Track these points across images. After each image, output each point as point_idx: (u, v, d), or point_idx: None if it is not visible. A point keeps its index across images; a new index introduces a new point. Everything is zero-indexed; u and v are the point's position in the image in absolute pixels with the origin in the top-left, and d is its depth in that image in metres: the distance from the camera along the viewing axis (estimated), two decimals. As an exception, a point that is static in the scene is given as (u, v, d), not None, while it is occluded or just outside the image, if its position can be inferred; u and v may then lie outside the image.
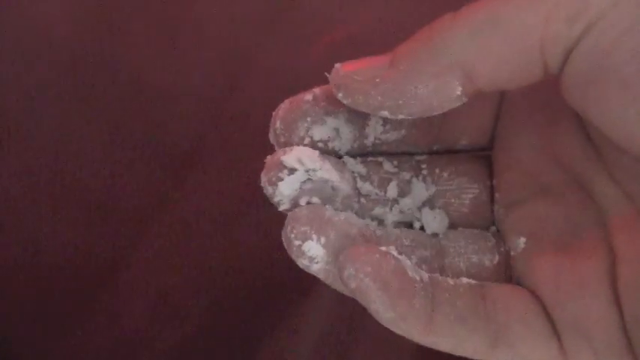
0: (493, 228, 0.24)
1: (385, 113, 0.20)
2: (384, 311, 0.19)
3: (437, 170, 0.24)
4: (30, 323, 0.41)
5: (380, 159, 0.24)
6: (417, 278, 0.20)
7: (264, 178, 0.21)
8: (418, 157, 0.24)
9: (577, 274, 0.21)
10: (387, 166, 0.24)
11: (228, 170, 0.40)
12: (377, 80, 0.20)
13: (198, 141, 0.40)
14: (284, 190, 0.21)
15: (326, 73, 0.21)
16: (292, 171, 0.21)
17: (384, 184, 0.23)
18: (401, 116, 0.20)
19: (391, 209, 0.23)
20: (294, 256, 0.21)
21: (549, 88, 0.20)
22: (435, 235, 0.23)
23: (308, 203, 0.21)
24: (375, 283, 0.19)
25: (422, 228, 0.24)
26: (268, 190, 0.21)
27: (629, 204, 0.21)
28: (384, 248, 0.20)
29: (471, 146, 0.24)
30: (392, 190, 0.23)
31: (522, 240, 0.22)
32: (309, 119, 0.22)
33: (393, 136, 0.23)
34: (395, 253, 0.20)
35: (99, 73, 0.40)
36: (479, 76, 0.19)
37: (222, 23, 0.40)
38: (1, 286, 0.40)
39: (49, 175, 0.40)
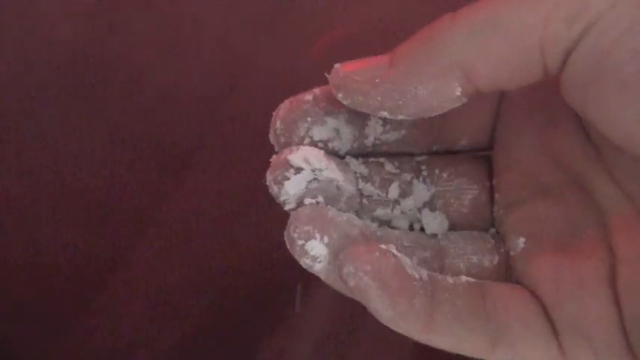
0: (493, 229, 0.24)
1: (385, 114, 0.20)
2: (384, 310, 0.19)
3: (436, 171, 0.24)
4: (30, 323, 0.41)
5: (381, 160, 0.24)
6: (417, 277, 0.20)
7: (269, 177, 0.21)
8: (418, 158, 0.24)
9: (576, 274, 0.21)
10: (389, 167, 0.24)
11: (228, 170, 0.40)
12: (377, 81, 0.20)
13: (198, 141, 0.41)
14: (290, 190, 0.21)
15: (326, 74, 0.21)
16: (298, 170, 0.21)
17: (385, 185, 0.23)
18: (400, 117, 0.20)
19: (392, 210, 0.23)
20: (296, 256, 0.20)
21: (549, 88, 0.20)
22: (434, 236, 0.23)
23: (316, 203, 0.21)
24: (375, 282, 0.19)
25: (422, 229, 0.24)
26: (274, 189, 0.21)
27: (628, 204, 0.21)
28: (383, 246, 0.20)
29: (470, 146, 0.24)
30: (393, 191, 0.23)
31: (522, 240, 0.22)
32: (309, 119, 0.22)
33: (393, 136, 0.23)
34: (395, 251, 0.20)
35: (99, 73, 0.40)
36: (478, 76, 0.19)
37: (222, 23, 0.41)
38: (1, 286, 0.40)
39: (49, 175, 0.40)
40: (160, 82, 0.40)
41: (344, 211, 0.22)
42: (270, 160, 0.22)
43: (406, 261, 0.20)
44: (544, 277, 0.21)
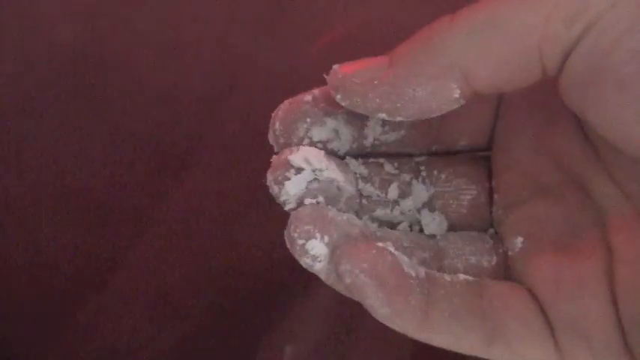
0: (491, 229, 0.24)
1: (383, 115, 0.20)
2: (380, 307, 0.19)
3: (435, 172, 0.24)
4: (30, 323, 0.41)
5: (381, 160, 0.24)
6: (414, 274, 0.20)
7: (270, 178, 0.21)
8: (417, 159, 0.24)
9: (575, 274, 0.21)
10: (388, 167, 0.24)
11: (228, 170, 0.40)
12: (375, 82, 0.20)
13: (198, 141, 0.41)
14: (290, 190, 0.21)
15: (324, 75, 0.21)
16: (299, 170, 0.21)
17: (385, 185, 0.23)
18: (399, 118, 0.20)
19: (392, 210, 0.24)
20: (297, 255, 0.21)
21: (548, 88, 0.20)
22: (433, 236, 0.24)
23: (316, 203, 0.21)
24: (371, 280, 0.19)
25: (421, 230, 0.24)
26: (274, 189, 0.21)
27: (627, 204, 0.21)
28: (381, 244, 0.20)
29: (470, 147, 0.24)
30: (393, 192, 0.24)
31: (519, 240, 0.23)
32: (308, 120, 0.22)
33: (392, 137, 0.23)
34: (392, 249, 0.20)
35: (99, 73, 0.40)
36: (477, 77, 0.19)
37: (222, 23, 0.41)
38: (1, 286, 0.40)
39: (49, 175, 0.40)
40: (159, 82, 0.40)
41: (344, 212, 0.22)
42: (271, 160, 0.22)
43: (403, 259, 0.20)
44: (542, 276, 0.21)
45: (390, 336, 0.21)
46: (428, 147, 0.24)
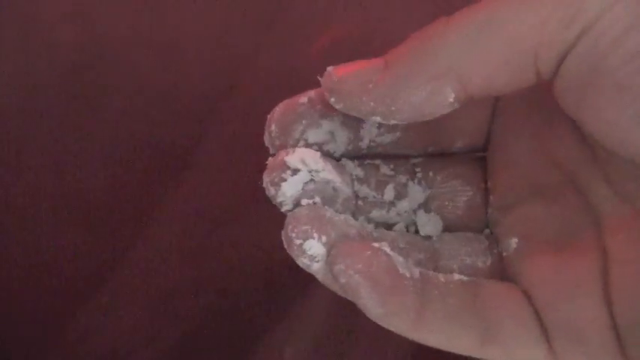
0: (487, 230, 0.24)
1: (377, 119, 0.20)
2: (373, 307, 0.20)
3: (431, 173, 0.24)
4: (30, 323, 0.41)
5: (377, 162, 0.24)
6: (408, 275, 0.20)
7: (266, 179, 0.21)
8: (413, 160, 0.24)
9: (570, 274, 0.21)
10: (384, 169, 0.24)
11: (228, 170, 0.40)
12: (369, 86, 0.20)
13: (198, 141, 0.41)
14: (287, 191, 0.21)
15: (318, 77, 0.21)
16: (295, 172, 0.21)
17: (381, 186, 0.24)
18: (393, 122, 0.20)
19: (388, 212, 0.24)
20: (294, 255, 0.21)
21: (544, 89, 0.20)
22: (429, 237, 0.24)
23: (313, 203, 0.22)
24: (365, 280, 0.19)
25: (417, 230, 0.24)
26: (271, 191, 0.21)
27: (623, 205, 0.21)
28: (376, 244, 0.20)
29: (466, 148, 0.24)
30: (389, 193, 0.24)
31: (514, 240, 0.23)
32: (304, 122, 0.22)
33: (387, 138, 0.23)
34: (387, 249, 0.20)
35: (99, 73, 0.40)
36: (472, 81, 0.19)
37: (222, 23, 0.41)
38: (1, 286, 0.40)
39: (49, 175, 0.40)
40: (159, 82, 0.40)
41: (340, 213, 0.22)
42: (267, 162, 0.22)
43: (398, 259, 0.20)
44: (536, 277, 0.21)
45: (390, 336, 0.21)
46: (424, 148, 0.24)
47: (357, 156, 0.24)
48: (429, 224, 0.24)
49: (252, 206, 0.40)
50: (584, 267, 0.21)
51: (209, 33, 0.41)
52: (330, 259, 0.20)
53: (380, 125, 0.23)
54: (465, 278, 0.22)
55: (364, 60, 0.21)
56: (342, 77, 0.20)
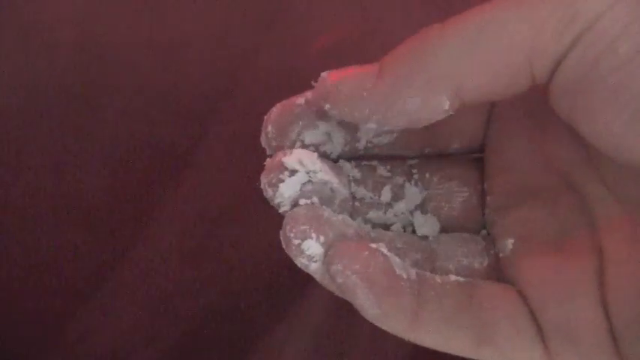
0: (484, 231, 0.24)
1: (372, 125, 0.20)
2: (370, 308, 0.20)
3: (427, 175, 0.24)
4: (30, 323, 0.41)
5: (374, 163, 0.24)
6: (405, 276, 0.20)
7: (264, 180, 0.22)
8: (410, 162, 0.24)
9: (565, 275, 0.21)
10: (381, 170, 0.24)
11: (228, 170, 0.40)
12: (364, 93, 0.20)
13: (198, 141, 0.41)
14: (285, 192, 0.21)
15: (312, 82, 0.21)
16: (293, 172, 0.21)
17: (378, 188, 0.24)
18: (387, 128, 0.20)
19: (385, 213, 0.24)
20: (292, 255, 0.21)
21: (540, 91, 0.21)
22: (426, 238, 0.24)
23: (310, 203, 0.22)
24: (362, 281, 0.19)
25: (414, 231, 0.24)
26: (268, 192, 0.22)
27: (618, 206, 0.21)
28: (373, 245, 0.20)
29: (463, 149, 0.24)
30: (386, 195, 0.24)
31: (510, 241, 0.23)
32: (300, 123, 0.22)
33: (384, 139, 0.23)
34: (385, 250, 0.20)
35: (99, 73, 0.40)
36: (466, 89, 0.19)
37: (222, 23, 0.41)
38: (1, 286, 0.40)
39: (49, 175, 0.40)
40: (159, 82, 0.40)
41: (337, 213, 0.22)
42: (265, 163, 0.22)
43: (395, 260, 0.20)
44: (532, 278, 0.21)
45: (390, 336, 0.21)
46: (421, 150, 0.24)
47: (354, 157, 0.24)
48: (426, 225, 0.24)
49: (252, 206, 0.40)
50: (580, 268, 0.21)
51: (209, 33, 0.41)
52: (327, 259, 0.20)
53: None
54: (461, 279, 0.22)
55: (358, 66, 0.21)
56: (336, 83, 0.20)
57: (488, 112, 0.24)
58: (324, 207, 0.22)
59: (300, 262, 0.21)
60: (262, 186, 0.22)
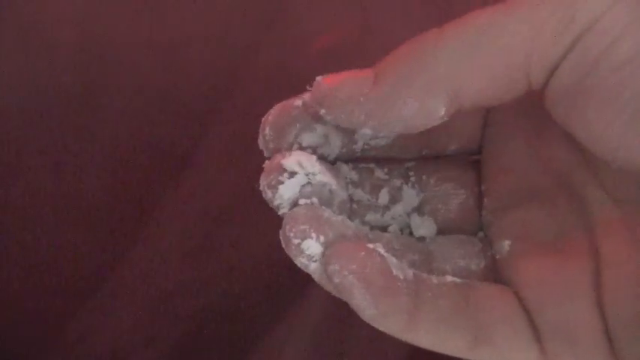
0: (481, 233, 0.24)
1: (368, 131, 0.20)
2: (366, 308, 0.20)
3: (424, 177, 0.24)
4: (30, 323, 0.41)
5: (371, 165, 0.24)
6: (401, 277, 0.20)
7: (263, 182, 0.22)
8: (407, 164, 0.24)
9: (561, 277, 0.21)
10: (378, 173, 0.24)
11: (228, 170, 0.41)
12: (360, 99, 0.20)
13: (198, 141, 0.41)
14: (284, 194, 0.21)
15: (307, 87, 0.21)
16: (292, 174, 0.21)
17: (375, 190, 0.24)
18: (383, 134, 0.20)
19: (383, 215, 0.24)
20: (292, 255, 0.21)
21: (537, 94, 0.21)
22: (423, 239, 0.24)
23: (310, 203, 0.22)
24: (359, 281, 0.19)
25: (411, 233, 0.24)
26: (268, 194, 0.22)
27: (615, 208, 0.21)
28: (371, 245, 0.20)
29: (460, 151, 0.24)
30: (383, 197, 0.24)
31: (507, 243, 0.23)
32: (298, 126, 0.22)
33: (382, 141, 0.23)
34: (382, 250, 0.20)
35: (99, 73, 0.40)
36: (463, 95, 0.19)
37: (222, 23, 0.41)
38: (1, 286, 0.41)
39: (48, 175, 0.40)
40: (159, 82, 0.41)
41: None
42: (263, 165, 0.22)
43: (392, 261, 0.21)
44: (529, 279, 0.21)
45: (389, 336, 0.21)
46: (418, 151, 0.24)
47: (351, 159, 0.24)
48: (423, 226, 0.24)
49: (252, 206, 0.40)
50: (577, 269, 0.21)
51: (209, 33, 0.41)
52: (324, 259, 0.20)
53: None
54: (457, 280, 0.22)
55: (354, 70, 0.21)
56: (332, 89, 0.20)
57: (485, 114, 0.24)
58: (323, 207, 0.22)
59: (300, 261, 0.21)
60: (261, 188, 0.22)
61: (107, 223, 0.41)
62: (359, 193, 0.23)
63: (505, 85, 0.19)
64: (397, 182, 0.24)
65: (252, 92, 0.41)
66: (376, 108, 0.20)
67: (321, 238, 0.20)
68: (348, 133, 0.23)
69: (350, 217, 0.23)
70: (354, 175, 0.23)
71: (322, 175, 0.22)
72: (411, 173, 0.24)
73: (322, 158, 0.23)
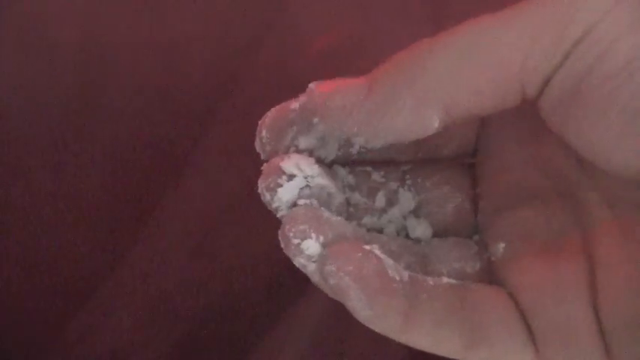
0: (476, 236, 0.24)
1: (360, 140, 0.20)
2: (362, 309, 0.20)
3: (420, 180, 0.24)
4: (30, 323, 0.41)
5: (368, 169, 0.24)
6: (397, 278, 0.20)
7: (262, 185, 0.22)
8: (403, 167, 0.24)
9: (556, 279, 0.21)
10: (375, 176, 0.24)
11: (228, 170, 0.41)
12: (353, 110, 0.20)
13: (198, 141, 0.41)
14: (283, 196, 0.21)
15: (300, 96, 0.21)
16: (291, 177, 0.21)
17: (372, 194, 0.24)
18: (375, 144, 0.20)
19: (379, 218, 0.24)
20: (291, 255, 0.21)
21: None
22: (419, 241, 0.24)
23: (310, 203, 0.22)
24: (355, 282, 0.19)
25: (408, 235, 0.24)
26: (266, 196, 0.21)
27: (610, 210, 0.21)
28: (367, 247, 0.20)
29: (456, 154, 0.24)
30: (380, 201, 0.24)
31: (501, 245, 0.23)
32: (295, 128, 0.22)
33: (378, 144, 0.23)
34: (378, 251, 0.21)
35: (99, 73, 0.40)
36: (456, 106, 0.19)
37: (223, 23, 0.41)
38: (1, 286, 0.41)
39: (48, 175, 0.41)
40: (159, 82, 0.41)
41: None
42: (262, 168, 0.22)
43: (388, 262, 0.21)
44: (523, 281, 0.22)
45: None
46: (414, 154, 0.24)
47: (348, 162, 0.24)
48: (419, 229, 0.24)
49: (252, 206, 0.40)
50: (572, 271, 0.21)
51: (209, 33, 0.41)
52: (321, 259, 0.20)
53: None
54: (453, 282, 0.22)
55: (347, 79, 0.21)
56: (325, 97, 0.20)
57: (481, 117, 0.24)
58: (322, 208, 0.22)
59: (299, 261, 0.21)
60: (260, 190, 0.22)
61: (107, 223, 0.41)
62: (356, 197, 0.24)
63: (499, 97, 0.19)
64: (393, 185, 0.24)
65: (251, 92, 0.41)
66: (369, 119, 0.20)
67: (321, 238, 0.20)
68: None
69: (347, 220, 0.23)
70: (350, 179, 0.24)
71: (321, 178, 0.22)
72: (407, 176, 0.24)
73: (319, 161, 0.23)
